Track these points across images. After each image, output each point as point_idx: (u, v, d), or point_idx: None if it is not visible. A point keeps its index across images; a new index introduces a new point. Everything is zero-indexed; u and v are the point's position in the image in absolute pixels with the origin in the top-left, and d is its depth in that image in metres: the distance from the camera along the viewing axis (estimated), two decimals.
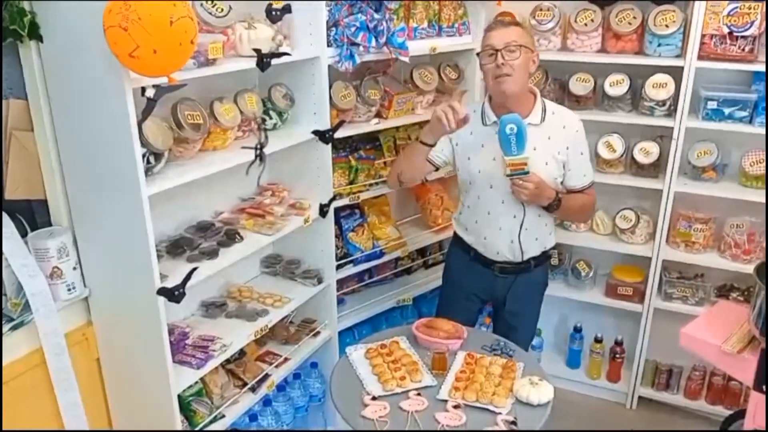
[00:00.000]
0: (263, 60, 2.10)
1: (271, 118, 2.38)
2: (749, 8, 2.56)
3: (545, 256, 2.46)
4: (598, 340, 3.28)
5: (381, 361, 2.13)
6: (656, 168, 2.95)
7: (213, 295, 2.51)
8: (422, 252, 3.25)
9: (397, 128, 2.90)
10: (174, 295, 1.93)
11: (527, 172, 2.13)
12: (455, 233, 2.53)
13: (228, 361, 2.34)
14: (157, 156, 1.90)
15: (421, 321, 2.34)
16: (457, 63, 2.97)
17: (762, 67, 2.65)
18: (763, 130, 2.66)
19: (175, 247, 2.15)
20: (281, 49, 2.19)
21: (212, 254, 2.14)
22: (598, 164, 3.06)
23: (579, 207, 2.37)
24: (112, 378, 2.19)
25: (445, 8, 2.83)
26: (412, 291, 3.12)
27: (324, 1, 2.30)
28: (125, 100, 1.69)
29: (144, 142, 1.81)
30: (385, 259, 2.95)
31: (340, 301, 2.87)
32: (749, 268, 2.30)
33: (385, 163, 2.84)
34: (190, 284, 1.98)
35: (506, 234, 2.33)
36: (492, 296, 2.52)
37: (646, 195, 3.03)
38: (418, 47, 2.68)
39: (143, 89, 1.75)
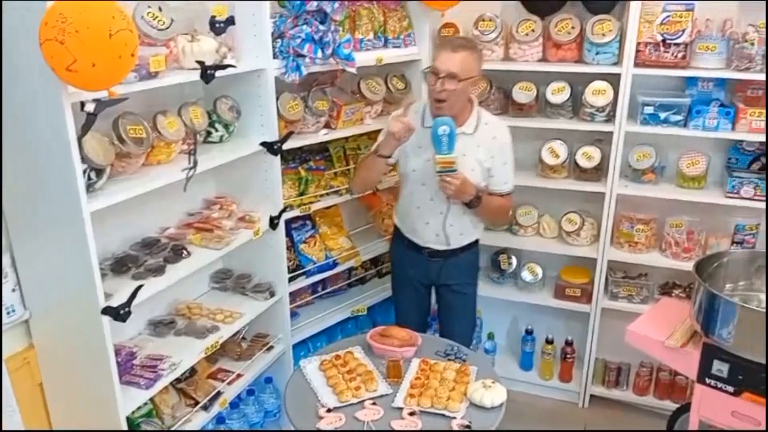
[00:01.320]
0: (207, 72, 2.08)
1: (217, 130, 2.36)
2: (681, 16, 2.67)
3: (471, 242, 2.63)
4: (549, 342, 3.35)
5: (336, 373, 2.12)
6: (598, 172, 3.04)
7: (161, 312, 2.45)
8: (375, 261, 3.26)
9: (346, 138, 2.91)
10: (119, 314, 1.88)
11: (455, 170, 2.29)
12: (395, 224, 2.69)
13: (178, 380, 2.29)
14: (99, 172, 1.85)
15: (376, 330, 2.35)
16: (403, 74, 3.00)
17: (694, 73, 2.78)
18: (697, 133, 2.78)
19: (119, 265, 2.09)
20: (226, 61, 2.17)
21: (158, 271, 2.09)
22: (542, 170, 3.14)
23: (496, 208, 2.55)
24: (57, 402, 2.11)
25: (390, 20, 2.87)
26: (366, 301, 3.13)
27: (268, 13, 2.30)
28: (63, 115, 1.65)
29: (84, 158, 1.76)
30: (339, 269, 2.95)
31: (294, 314, 2.84)
32: (689, 266, 2.39)
33: (335, 173, 2.84)
34: (136, 302, 1.94)
35: (432, 228, 2.52)
36: (428, 279, 2.67)
37: (589, 198, 3.12)
38: (364, 58, 2.70)
39: (82, 104, 1.70)
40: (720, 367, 2.13)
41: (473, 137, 2.40)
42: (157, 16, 2.01)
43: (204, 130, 2.30)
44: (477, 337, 3.49)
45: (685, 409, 2.56)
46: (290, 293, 2.72)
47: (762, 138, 2.74)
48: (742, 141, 2.89)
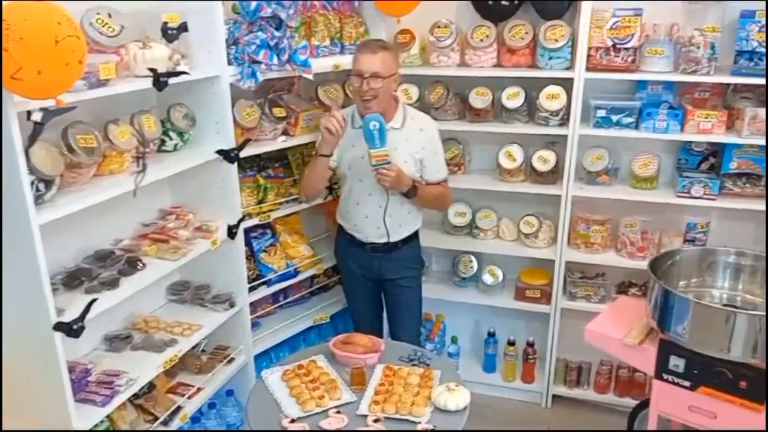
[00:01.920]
0: (159, 80, 2.04)
1: (171, 139, 2.31)
2: (629, 21, 2.74)
3: (411, 236, 2.73)
4: (510, 343, 3.38)
5: (298, 382, 2.10)
6: (554, 174, 3.09)
7: (117, 327, 2.38)
8: (337, 269, 3.23)
9: (305, 145, 2.88)
10: (72, 329, 1.81)
11: (389, 162, 2.40)
12: (338, 223, 2.77)
13: (136, 395, 2.23)
14: (48, 183, 1.79)
15: (338, 337, 2.33)
16: None
17: (644, 76, 2.85)
18: (648, 135, 2.86)
19: (72, 279, 2.02)
20: (179, 69, 2.14)
21: (112, 284, 2.03)
22: (500, 174, 3.17)
23: (434, 196, 2.69)
24: (10, 421, 2.01)
25: (346, 26, 2.87)
26: (329, 309, 3.11)
27: (222, 19, 2.27)
28: (9, 124, 1.59)
29: (32, 169, 1.70)
30: (300, 277, 2.92)
31: (255, 325, 2.80)
32: (644, 265, 2.44)
33: (294, 180, 2.82)
34: (89, 317, 1.87)
35: (372, 221, 2.62)
36: (372, 274, 2.74)
37: (546, 201, 3.17)
38: (321, 65, 2.69)
39: (29, 113, 1.64)
40: (676, 363, 2.18)
41: (401, 131, 2.53)
42: (106, 23, 1.97)
43: (157, 138, 2.25)
44: (440, 341, 3.50)
45: (644, 405, 2.61)
46: (251, 303, 2.68)
47: (709, 138, 2.83)
48: (690, 142, 2.98)
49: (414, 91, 3.14)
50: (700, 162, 3.01)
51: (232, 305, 2.58)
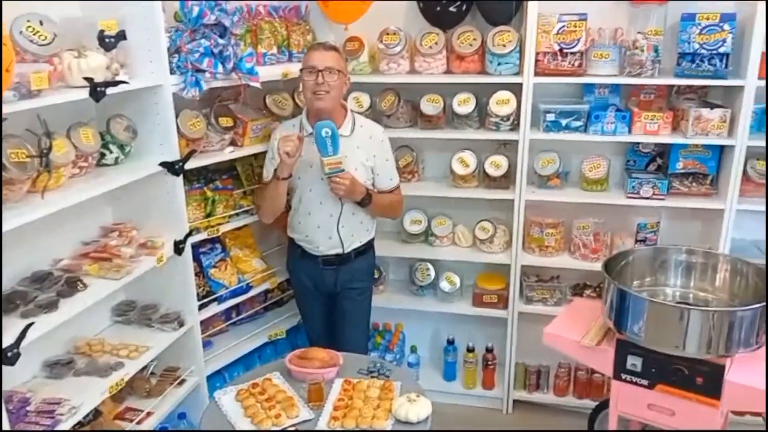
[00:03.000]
0: (97, 90, 1.94)
1: (111, 152, 2.21)
2: (575, 26, 2.78)
3: (365, 246, 2.69)
4: (470, 350, 3.36)
5: (253, 402, 2.02)
6: (507, 179, 3.10)
7: (58, 352, 2.24)
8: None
9: (254, 156, 2.80)
10: (7, 356, 1.69)
11: (343, 170, 2.38)
12: (288, 235, 2.71)
13: (81, 423, 2.10)
14: None
15: (295, 353, 2.26)
16: None
17: (591, 80, 2.90)
18: (596, 138, 2.89)
19: (6, 303, 1.89)
20: (117, 78, 2.04)
21: (51, 307, 1.91)
22: (454, 180, 3.17)
23: (388, 204, 2.67)
24: None
25: (293, 34, 2.82)
26: (284, 324, 3.03)
27: (163, 27, 2.19)
28: None
29: None
30: (253, 293, 2.84)
31: (207, 344, 2.70)
32: (598, 266, 2.47)
33: (245, 192, 2.74)
34: (26, 343, 1.75)
35: (324, 231, 2.57)
36: (325, 288, 2.69)
37: (500, 206, 3.18)
38: (268, 73, 2.63)
39: None
40: (634, 362, 2.20)
41: (351, 139, 2.49)
42: (37, 31, 1.86)
43: (96, 152, 2.14)
44: (400, 351, 3.46)
45: (603, 406, 2.63)
46: (202, 321, 2.58)
47: (655, 139, 2.89)
48: (638, 143, 3.04)
49: (365, 99, 3.11)
50: (648, 163, 3.07)
51: (181, 324, 2.47)
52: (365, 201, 2.51)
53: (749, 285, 2.29)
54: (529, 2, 2.76)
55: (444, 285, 3.32)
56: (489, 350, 3.36)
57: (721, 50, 2.69)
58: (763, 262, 2.81)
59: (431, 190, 3.20)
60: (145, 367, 2.37)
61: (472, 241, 3.28)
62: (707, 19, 2.68)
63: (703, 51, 2.70)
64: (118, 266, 2.17)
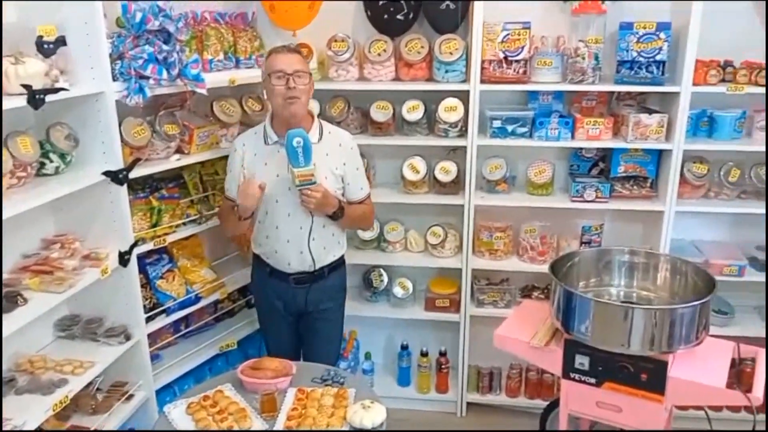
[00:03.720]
0: (35, 97, 1.87)
1: (51, 161, 2.13)
2: (519, 34, 2.85)
3: (338, 262, 2.59)
4: (423, 354, 3.38)
5: (204, 415, 1.98)
6: (456, 185, 3.14)
7: None
8: (243, 291, 3.11)
9: (202, 164, 2.76)
10: None
11: (315, 182, 2.27)
12: (254, 253, 2.59)
13: None
14: None
15: (246, 363, 2.23)
16: (259, 95, 2.92)
17: (535, 87, 2.97)
18: (541, 143, 2.96)
19: None
20: (57, 85, 1.98)
21: None
22: (405, 186, 3.19)
23: (360, 215, 2.57)
24: None
25: (240, 40, 2.79)
26: (236, 334, 2.98)
27: (105, 33, 2.13)
28: None
29: None
30: (202, 303, 2.78)
31: (155, 357, 2.64)
32: (545, 268, 2.51)
33: (192, 201, 2.69)
34: None
35: (294, 245, 2.44)
36: (296, 308, 2.57)
37: (450, 211, 3.22)
38: (215, 79, 2.60)
39: None
40: (582, 361, 2.25)
41: (320, 146, 2.39)
42: None
43: (36, 161, 2.06)
44: (354, 359, 3.45)
45: (554, 405, 2.68)
46: (149, 334, 2.51)
47: (597, 144, 2.98)
48: (581, 148, 3.13)
49: (314, 106, 3.10)
50: (591, 167, 3.17)
51: (127, 338, 2.40)
52: (337, 214, 2.40)
53: (688, 283, 2.38)
54: (475, 11, 2.81)
55: (397, 290, 3.33)
56: (442, 354, 3.39)
57: (658, 58, 2.80)
58: (701, 260, 2.95)
59: (383, 196, 3.21)
60: (90, 383, 2.29)
61: (423, 246, 3.31)
62: (644, 27, 2.79)
63: (641, 59, 2.81)
64: (60, 279, 2.10)
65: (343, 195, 2.47)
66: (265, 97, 2.49)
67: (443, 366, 3.39)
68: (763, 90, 2.78)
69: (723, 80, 2.84)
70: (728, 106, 2.93)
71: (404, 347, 3.44)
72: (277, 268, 2.50)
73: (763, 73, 2.78)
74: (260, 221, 2.47)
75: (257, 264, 2.59)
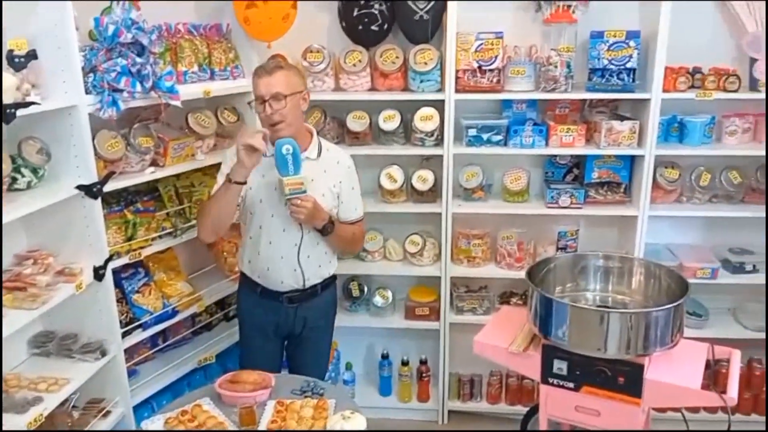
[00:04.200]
0: (7, 111, 1.85)
1: (23, 176, 2.10)
2: (492, 44, 2.88)
3: (330, 279, 2.54)
4: (404, 363, 3.38)
5: (183, 429, 1.95)
6: (434, 193, 3.16)
7: None
8: (221, 304, 3.09)
9: (177, 176, 2.73)
10: None
11: (305, 191, 2.21)
12: (242, 272, 2.52)
13: None
14: None
15: (225, 377, 2.21)
16: (234, 106, 2.92)
17: (509, 95, 3.01)
18: (516, 151, 3.00)
19: None
20: (28, 99, 1.95)
21: None
22: (382, 195, 3.20)
23: (350, 236, 2.49)
24: None
25: (215, 52, 2.78)
26: (214, 348, 2.95)
27: (77, 46, 2.12)
28: None
29: None
30: (180, 317, 2.75)
31: (132, 373, 2.60)
32: (522, 274, 2.54)
33: (168, 214, 2.66)
34: None
35: (288, 262, 2.38)
36: (287, 329, 2.51)
37: (428, 219, 3.23)
38: (190, 91, 2.59)
39: None
40: (560, 366, 2.27)
41: (318, 162, 2.35)
42: None
43: (8, 176, 2.04)
44: (335, 369, 3.43)
45: (534, 410, 2.69)
46: (126, 350, 2.48)
47: (571, 151, 3.03)
48: (555, 155, 3.17)
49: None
50: (565, 174, 3.21)
51: (104, 354, 2.37)
52: (328, 228, 2.32)
53: (662, 286, 2.41)
54: (448, 21, 2.84)
55: (377, 300, 3.34)
56: (423, 362, 3.39)
57: (628, 65, 2.85)
58: (675, 264, 3.00)
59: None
60: (66, 401, 2.25)
61: (402, 255, 3.32)
62: (614, 36, 2.85)
63: (611, 66, 2.86)
64: (34, 296, 2.07)
65: (337, 214, 2.42)
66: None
67: (424, 374, 3.39)
68: (730, 95, 2.85)
69: (692, 86, 2.90)
70: (698, 111, 2.99)
71: (385, 356, 3.44)
72: (269, 288, 2.43)
73: (732, 78, 2.85)
74: (251, 237, 2.40)
75: (246, 285, 2.51)
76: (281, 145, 2.17)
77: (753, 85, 2.89)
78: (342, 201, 2.42)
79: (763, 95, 2.84)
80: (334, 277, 2.58)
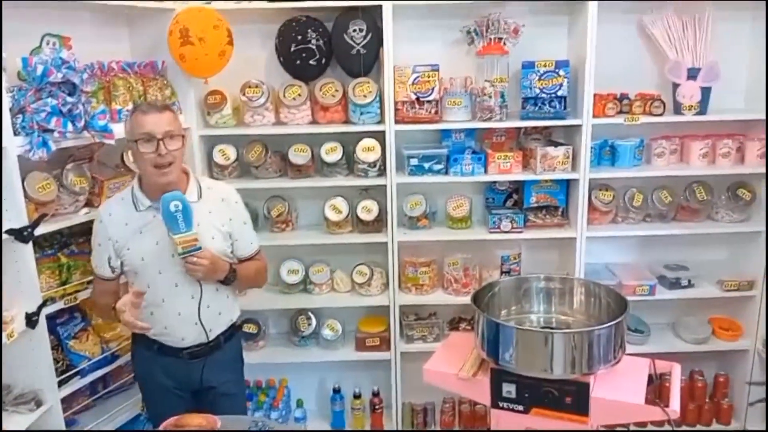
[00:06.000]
0: None
1: None
2: (429, 76, 2.95)
3: (233, 328, 2.42)
4: (356, 396, 3.35)
5: None
6: (379, 223, 3.18)
7: None
8: None
9: None
10: None
11: (200, 248, 2.09)
12: (133, 332, 2.32)
13: None
14: None
15: (168, 422, 2.12)
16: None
17: (447, 125, 3.07)
18: (457, 179, 3.05)
19: None
20: None
21: None
22: (328, 227, 3.19)
23: (254, 273, 2.39)
24: None
25: (150, 89, 2.75)
26: None
27: (4, 86, 2.05)
28: None
29: None
30: (121, 362, 2.65)
31: (71, 422, 2.50)
32: (468, 299, 2.56)
33: None
34: None
35: (188, 318, 2.24)
36: (190, 385, 2.36)
37: (375, 249, 3.24)
38: (124, 129, 2.53)
39: None
40: (509, 389, 2.28)
41: (200, 204, 2.20)
42: None
43: None
44: (285, 407, 3.36)
45: None
46: (63, 399, 2.37)
47: (509, 177, 3.10)
48: (494, 182, 3.24)
49: (231, 152, 3.09)
50: (505, 199, 3.29)
51: (39, 404, 2.25)
52: (230, 278, 2.22)
53: (602, 305, 2.47)
54: (385, 55, 2.89)
55: (326, 333, 3.30)
56: (375, 394, 3.36)
57: (559, 93, 2.96)
58: (614, 282, 3.09)
59: (306, 238, 3.21)
60: None
61: (350, 286, 3.31)
62: (545, 66, 2.95)
63: (543, 95, 2.96)
64: None
65: (232, 253, 2.31)
66: (131, 160, 2.31)
67: (377, 406, 3.36)
68: (656, 119, 2.99)
69: (620, 112, 3.03)
70: (627, 135, 3.13)
71: (336, 390, 3.39)
72: (168, 344, 2.28)
73: (657, 103, 3.00)
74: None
75: (140, 342, 2.32)
76: (167, 201, 2.02)
77: (677, 109, 3.05)
78: (236, 239, 2.30)
79: (686, 118, 2.99)
80: (238, 327, 2.47)
